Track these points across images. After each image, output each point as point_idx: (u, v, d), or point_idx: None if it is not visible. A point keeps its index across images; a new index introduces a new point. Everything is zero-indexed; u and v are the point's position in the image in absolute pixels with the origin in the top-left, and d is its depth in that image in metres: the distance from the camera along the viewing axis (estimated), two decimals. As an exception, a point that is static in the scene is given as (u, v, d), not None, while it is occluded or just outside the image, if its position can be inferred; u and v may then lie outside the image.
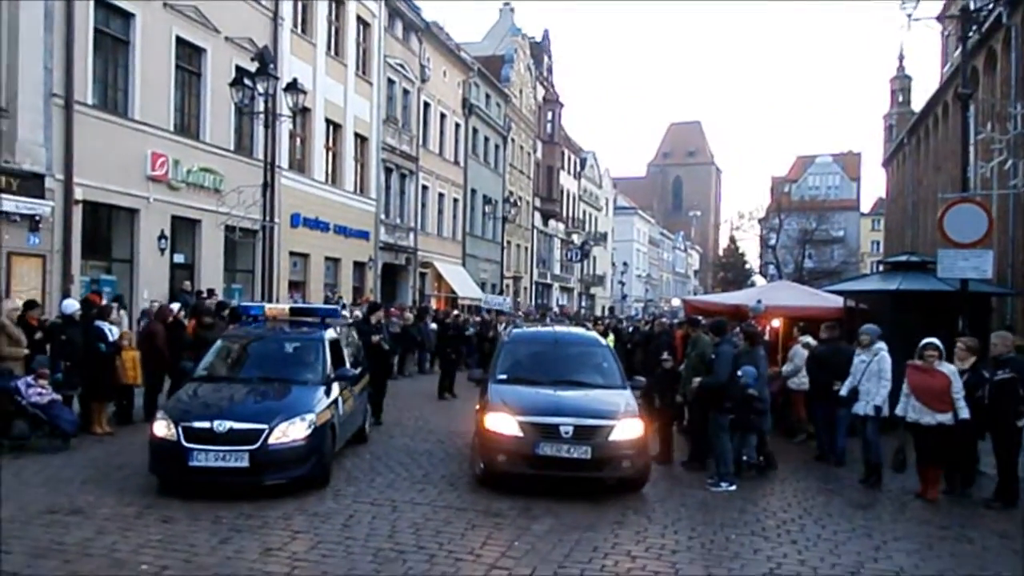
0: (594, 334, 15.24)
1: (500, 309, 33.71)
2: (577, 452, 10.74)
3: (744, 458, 12.74)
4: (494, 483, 11.08)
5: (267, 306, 14.80)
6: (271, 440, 10.16)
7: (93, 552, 7.99)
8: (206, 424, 10.13)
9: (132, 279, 22.44)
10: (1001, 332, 12.56)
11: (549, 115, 68.04)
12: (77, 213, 20.12)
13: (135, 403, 15.56)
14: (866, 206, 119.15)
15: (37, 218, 18.66)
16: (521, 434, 10.82)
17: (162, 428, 10.33)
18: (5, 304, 14.20)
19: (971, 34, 21.16)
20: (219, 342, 13.09)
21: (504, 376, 12.46)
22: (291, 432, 10.33)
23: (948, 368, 11.60)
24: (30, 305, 14.79)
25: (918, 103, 63.01)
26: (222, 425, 10.08)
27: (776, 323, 19.20)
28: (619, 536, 9.19)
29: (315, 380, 11.83)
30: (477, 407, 12.30)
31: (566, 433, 10.75)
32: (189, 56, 24.72)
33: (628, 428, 11.06)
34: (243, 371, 12.29)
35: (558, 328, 17.01)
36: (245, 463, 10.03)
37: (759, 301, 17.83)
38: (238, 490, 9.99)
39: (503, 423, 11.03)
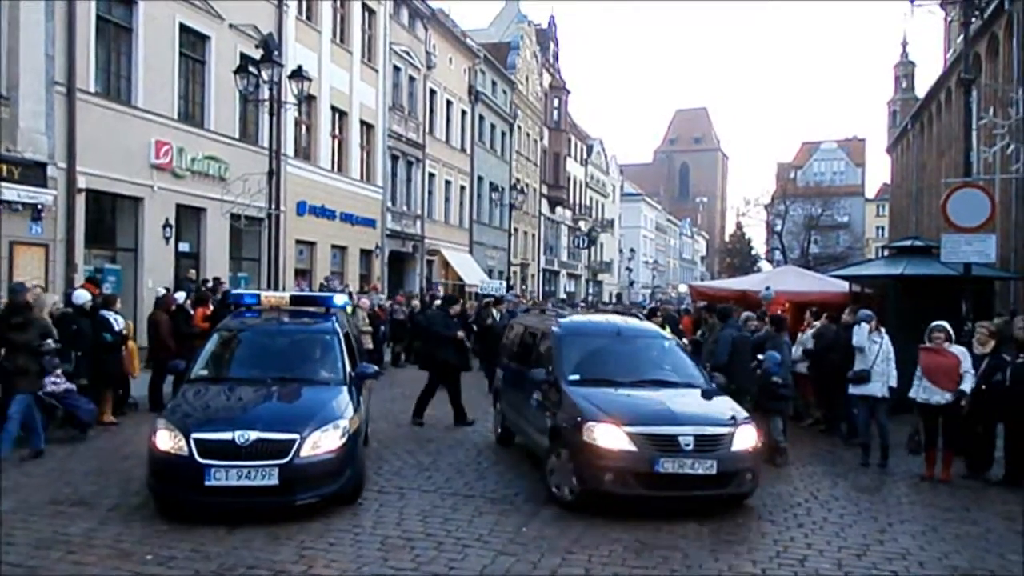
0: (652, 324, 14.33)
1: (500, 294, 33.33)
2: (701, 467, 9.24)
3: (779, 441, 12.63)
4: (590, 508, 9.41)
5: (264, 294, 12.76)
6: (303, 452, 8.77)
7: (97, 543, 7.97)
8: (226, 435, 8.63)
9: (137, 268, 22.40)
10: (1025, 316, 12.66)
11: (555, 102, 67.80)
12: (80, 202, 20.06)
13: (131, 394, 15.60)
14: (871, 192, 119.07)
15: (39, 207, 18.59)
16: (634, 448, 9.22)
17: (167, 440, 8.77)
18: (45, 298, 13.96)
19: (973, 20, 21.21)
20: (215, 336, 11.42)
21: (577, 376, 10.68)
22: (324, 442, 8.95)
23: (958, 349, 11.72)
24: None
25: (921, 89, 62.78)
26: (245, 436, 8.61)
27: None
28: (627, 521, 9.11)
29: (336, 380, 10.40)
30: (547, 413, 10.66)
31: (687, 445, 9.26)
32: (193, 43, 24.64)
33: (748, 435, 9.76)
34: (250, 370, 10.54)
35: (613, 318, 14.61)
36: (274, 480, 8.59)
37: (768, 288, 17.81)
38: (264, 513, 8.71)
39: (608, 435, 9.35)
